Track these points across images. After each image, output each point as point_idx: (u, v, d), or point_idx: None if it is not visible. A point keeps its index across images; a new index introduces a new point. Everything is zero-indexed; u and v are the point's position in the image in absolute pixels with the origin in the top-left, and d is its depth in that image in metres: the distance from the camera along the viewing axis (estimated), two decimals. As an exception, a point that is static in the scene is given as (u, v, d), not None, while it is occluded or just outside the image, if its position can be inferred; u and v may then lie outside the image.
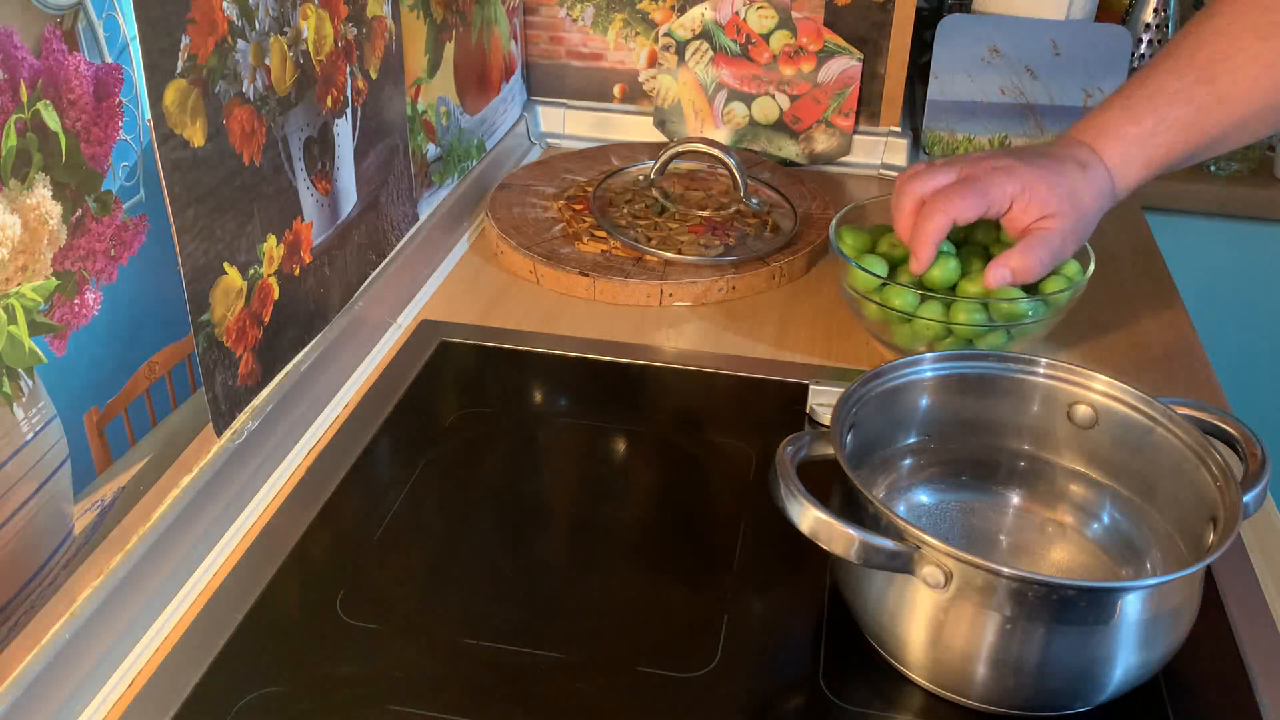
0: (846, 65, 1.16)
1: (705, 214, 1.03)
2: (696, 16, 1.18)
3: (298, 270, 0.76)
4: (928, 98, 1.21)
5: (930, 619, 0.54)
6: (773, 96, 1.19)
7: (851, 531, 0.52)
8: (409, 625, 0.62)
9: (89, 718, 0.56)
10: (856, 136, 1.20)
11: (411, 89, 0.93)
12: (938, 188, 0.78)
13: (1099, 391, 0.64)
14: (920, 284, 0.82)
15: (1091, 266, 0.84)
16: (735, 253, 0.97)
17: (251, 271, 0.70)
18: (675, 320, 0.93)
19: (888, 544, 0.53)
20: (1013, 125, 1.21)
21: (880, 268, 0.83)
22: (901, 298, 0.81)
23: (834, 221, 0.88)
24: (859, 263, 0.82)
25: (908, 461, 0.67)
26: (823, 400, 0.78)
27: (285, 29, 0.70)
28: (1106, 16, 1.23)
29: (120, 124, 0.55)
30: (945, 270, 0.80)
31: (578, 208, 1.04)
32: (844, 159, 1.21)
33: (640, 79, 1.24)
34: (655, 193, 1.06)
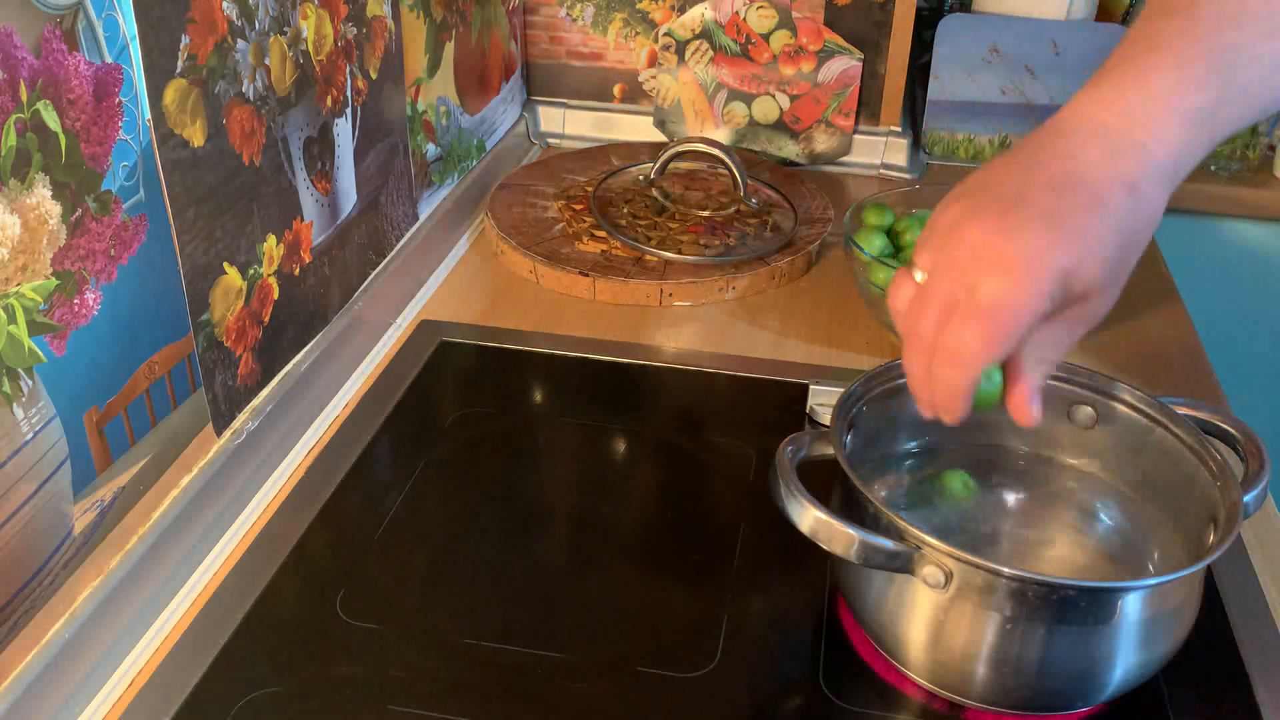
0: (846, 65, 1.16)
1: (705, 214, 1.03)
2: (696, 16, 1.18)
3: (298, 270, 0.76)
4: (928, 98, 1.21)
5: (930, 619, 0.54)
6: (773, 96, 1.19)
7: (851, 531, 0.52)
8: (409, 625, 0.62)
9: (89, 718, 0.56)
10: (856, 136, 1.20)
11: (411, 89, 0.93)
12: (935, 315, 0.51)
13: (1099, 391, 0.64)
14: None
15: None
16: (735, 253, 0.97)
17: (251, 271, 0.70)
18: (675, 320, 0.93)
19: (888, 544, 0.53)
20: (1013, 125, 1.20)
21: (873, 244, 0.86)
22: (884, 273, 0.84)
23: (859, 201, 0.92)
24: (855, 239, 0.85)
25: (908, 461, 0.67)
26: (823, 400, 0.78)
27: (285, 29, 0.70)
28: (1106, 16, 1.23)
29: (120, 124, 0.55)
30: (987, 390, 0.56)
31: (578, 208, 1.04)
32: (844, 159, 1.21)
33: (640, 79, 1.24)
34: (655, 193, 1.06)
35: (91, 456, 0.57)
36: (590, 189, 1.06)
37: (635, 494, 0.74)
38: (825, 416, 0.78)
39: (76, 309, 0.54)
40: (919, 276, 0.52)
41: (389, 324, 0.91)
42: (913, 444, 0.67)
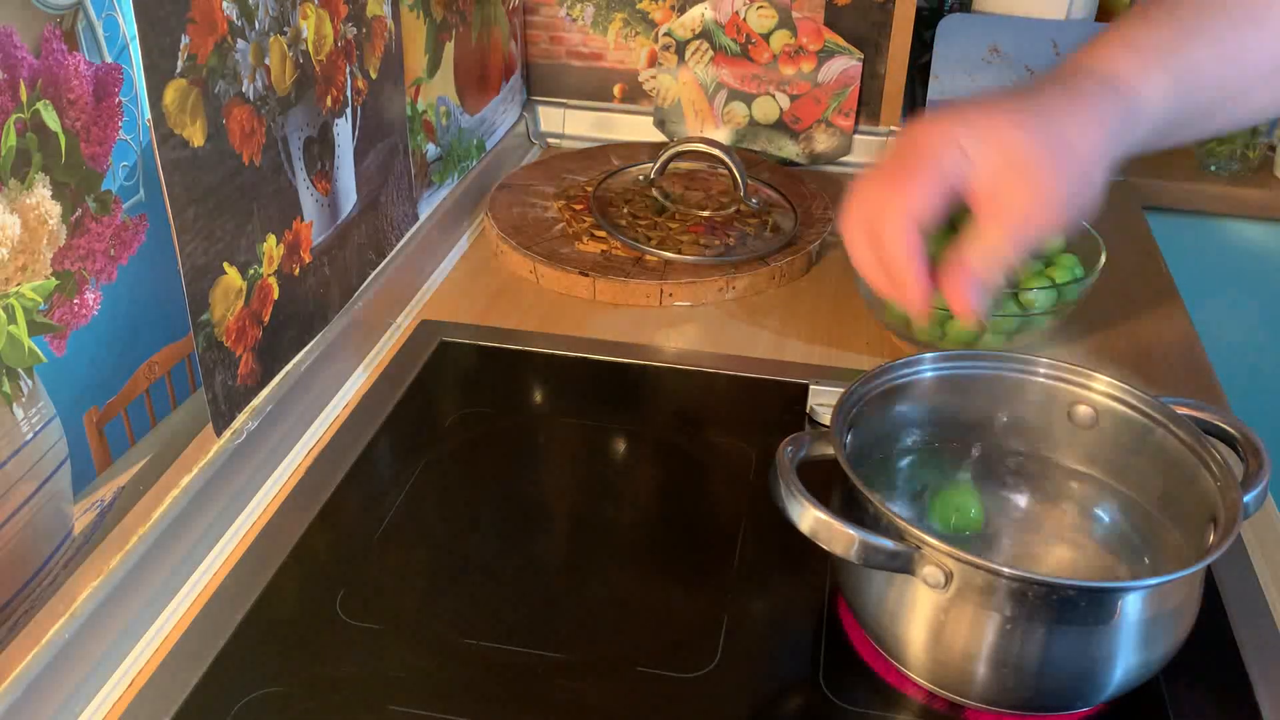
0: (847, 65, 1.16)
1: (705, 214, 1.03)
2: (696, 16, 1.18)
3: (297, 270, 0.76)
4: (928, 98, 1.21)
5: (930, 619, 0.54)
6: (773, 96, 1.19)
7: (851, 531, 0.52)
8: (409, 625, 0.62)
9: (89, 718, 0.56)
10: (857, 136, 1.20)
11: (411, 89, 0.93)
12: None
13: (1099, 391, 0.64)
14: None
15: (1094, 272, 0.84)
16: (735, 253, 0.97)
17: (251, 271, 0.70)
18: (675, 320, 0.93)
19: (888, 544, 0.53)
20: (1013, 125, 1.20)
21: None
22: None
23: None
24: None
25: (908, 461, 0.67)
26: (823, 400, 0.78)
27: (285, 29, 0.70)
28: (1106, 17, 1.23)
29: (120, 124, 0.55)
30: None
31: (578, 208, 1.04)
32: (844, 159, 1.21)
33: (640, 79, 1.24)
34: (655, 193, 1.06)
35: (91, 456, 0.57)
36: (590, 189, 1.06)
37: (635, 494, 0.74)
38: (825, 416, 0.78)
39: (76, 309, 0.54)
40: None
41: (389, 324, 0.91)
42: (913, 444, 0.67)
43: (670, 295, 0.94)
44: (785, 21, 1.16)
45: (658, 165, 1.06)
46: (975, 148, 0.55)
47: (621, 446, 0.79)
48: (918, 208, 0.55)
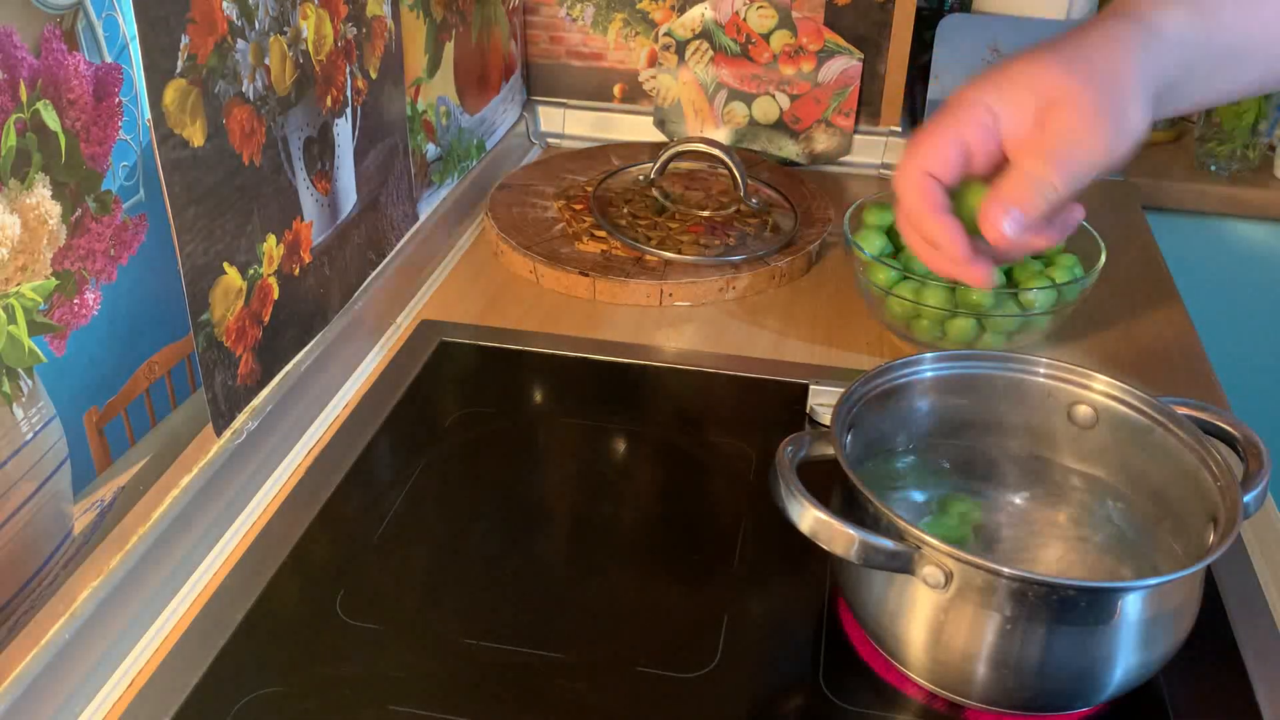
0: (847, 65, 1.16)
1: (705, 214, 1.03)
2: (696, 16, 1.18)
3: (297, 270, 0.76)
4: (928, 98, 1.21)
5: (930, 619, 0.54)
6: (773, 96, 1.19)
7: (851, 531, 0.52)
8: (409, 625, 0.62)
9: (89, 718, 0.56)
10: (857, 136, 1.20)
11: (411, 89, 0.93)
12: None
13: (1099, 391, 0.64)
14: (905, 264, 0.84)
15: (1093, 272, 0.84)
16: (735, 253, 0.97)
17: (251, 271, 0.70)
18: (675, 320, 0.93)
19: (888, 544, 0.53)
20: (1013, 125, 1.20)
21: (874, 244, 0.85)
22: (884, 273, 0.84)
23: (859, 201, 0.91)
24: (855, 239, 0.85)
25: (907, 462, 0.67)
26: (823, 400, 0.78)
27: (285, 29, 0.70)
28: (1106, 16, 1.23)
29: (120, 124, 0.55)
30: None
31: (578, 208, 1.04)
32: (844, 159, 1.21)
33: (640, 79, 1.24)
34: (655, 193, 1.06)
35: (91, 456, 0.57)
36: (590, 189, 1.06)
37: (635, 494, 0.74)
38: (825, 416, 0.78)
39: (76, 309, 0.54)
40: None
41: (389, 324, 0.91)
42: (912, 444, 0.67)
43: (670, 295, 0.94)
44: (785, 21, 1.16)
45: (658, 165, 1.06)
46: (1001, 101, 0.55)
47: (621, 446, 0.79)
48: (928, 160, 0.56)
